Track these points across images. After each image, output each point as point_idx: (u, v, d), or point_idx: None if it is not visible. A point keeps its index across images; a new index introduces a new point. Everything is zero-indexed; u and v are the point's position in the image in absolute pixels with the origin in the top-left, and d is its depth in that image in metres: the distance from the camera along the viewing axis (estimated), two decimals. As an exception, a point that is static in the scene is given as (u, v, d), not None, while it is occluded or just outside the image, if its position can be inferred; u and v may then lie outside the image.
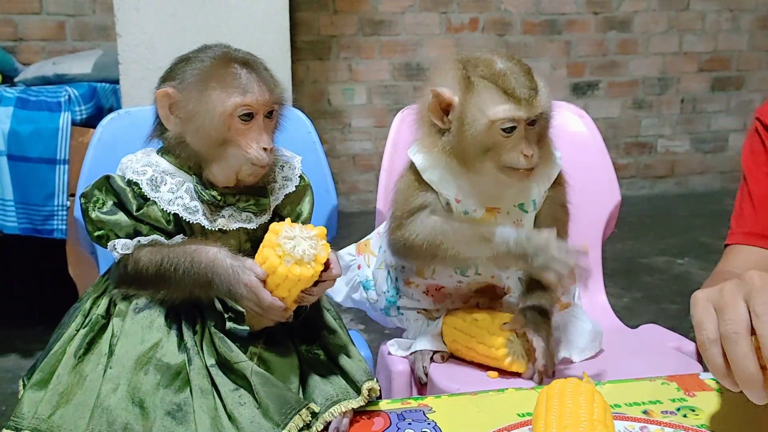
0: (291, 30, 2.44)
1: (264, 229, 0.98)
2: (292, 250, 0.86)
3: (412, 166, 1.21)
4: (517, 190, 1.18)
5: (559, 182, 1.25)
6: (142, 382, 0.87)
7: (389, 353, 1.31)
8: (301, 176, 1.08)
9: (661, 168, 4.58)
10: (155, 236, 0.98)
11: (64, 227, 2.27)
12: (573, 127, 1.56)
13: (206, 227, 0.99)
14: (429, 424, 0.88)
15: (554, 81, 4.32)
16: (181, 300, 0.94)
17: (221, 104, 0.96)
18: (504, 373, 1.20)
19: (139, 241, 0.97)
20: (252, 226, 1.01)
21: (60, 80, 2.64)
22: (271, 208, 1.04)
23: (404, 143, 1.52)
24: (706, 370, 1.02)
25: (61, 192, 2.26)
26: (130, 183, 0.99)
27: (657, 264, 3.19)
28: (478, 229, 1.15)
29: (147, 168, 1.00)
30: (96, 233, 0.98)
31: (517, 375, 1.19)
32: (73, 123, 2.34)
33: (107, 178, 1.01)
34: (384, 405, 0.93)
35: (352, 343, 1.00)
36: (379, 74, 4.16)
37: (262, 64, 1.02)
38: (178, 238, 0.99)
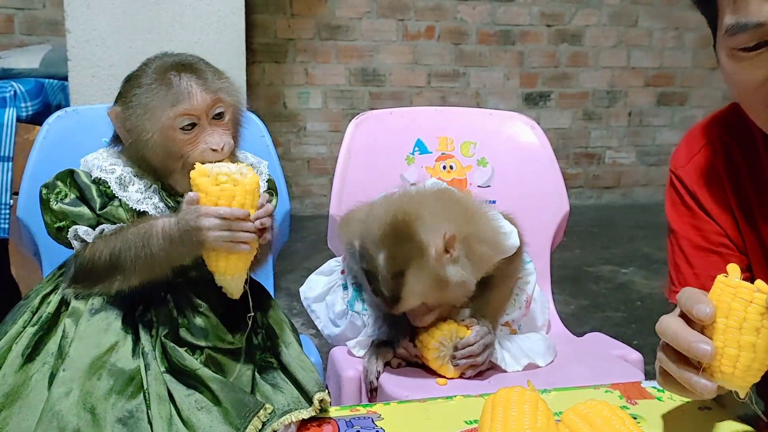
0: (247, 32, 2.42)
1: None
2: (218, 168, 0.91)
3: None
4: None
5: (510, 260, 1.27)
6: (94, 387, 0.86)
7: (349, 353, 1.32)
8: (267, 181, 1.08)
9: (608, 179, 4.70)
10: (120, 225, 0.96)
11: (6, 226, 2.20)
12: (524, 138, 1.59)
13: None
14: (377, 431, 0.88)
15: (507, 91, 4.39)
16: (138, 287, 0.92)
17: (159, 119, 0.95)
18: (433, 374, 1.22)
19: (103, 228, 0.95)
20: None
21: (6, 75, 2.55)
22: None
23: (359, 149, 1.53)
24: (648, 378, 1.06)
25: (4, 190, 2.18)
26: (96, 180, 0.98)
27: (602, 273, 3.27)
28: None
29: (115, 167, 0.99)
30: (56, 224, 0.96)
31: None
32: (19, 119, 2.27)
33: (71, 171, 0.99)
34: (333, 412, 0.93)
35: (305, 353, 1.00)
36: (335, 79, 4.16)
37: (202, 65, 1.00)
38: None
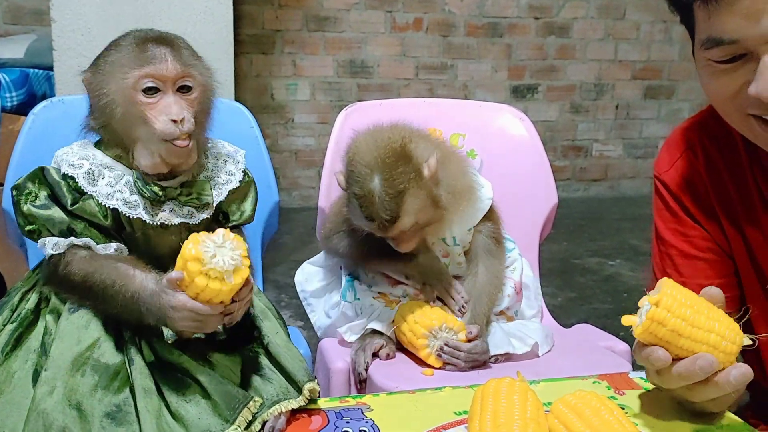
0: (234, 23, 2.40)
1: (206, 226, 0.97)
2: (212, 261, 0.82)
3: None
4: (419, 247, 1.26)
5: (489, 217, 1.33)
6: (79, 383, 0.85)
7: (340, 342, 1.32)
8: (245, 171, 1.06)
9: (595, 171, 4.72)
10: (88, 240, 0.94)
11: (-10, 218, 2.18)
12: (514, 130, 1.59)
13: (147, 221, 0.97)
14: (367, 422, 0.88)
15: (495, 83, 4.39)
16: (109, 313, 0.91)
17: (123, 78, 0.93)
18: (420, 363, 1.23)
19: (71, 242, 0.93)
20: (194, 221, 0.99)
21: (-10, 63, 2.53)
22: (214, 204, 1.01)
23: (347, 141, 1.53)
24: (635, 369, 1.06)
25: (-12, 181, 2.16)
26: (65, 176, 0.96)
27: (590, 265, 3.29)
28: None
29: (83, 161, 0.97)
30: (27, 227, 0.94)
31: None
32: (3, 110, 2.25)
33: (42, 170, 0.97)
34: (322, 403, 0.93)
35: (292, 342, 0.99)
36: (323, 70, 4.14)
37: (182, 41, 0.99)
38: (112, 247, 0.95)
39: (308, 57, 4.10)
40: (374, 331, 1.27)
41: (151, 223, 0.97)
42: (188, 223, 0.98)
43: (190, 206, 0.99)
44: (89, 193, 0.95)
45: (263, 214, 1.40)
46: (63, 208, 0.95)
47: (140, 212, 0.96)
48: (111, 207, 0.95)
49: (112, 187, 0.96)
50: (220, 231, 0.84)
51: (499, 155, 1.56)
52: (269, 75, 4.07)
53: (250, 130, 1.46)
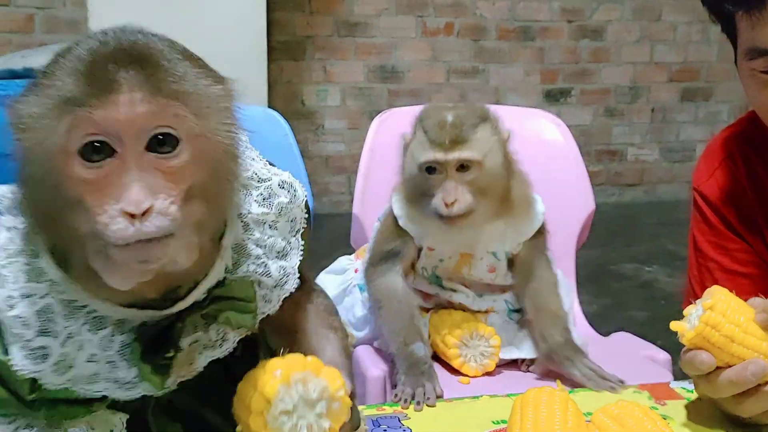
0: (266, 30, 2.43)
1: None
2: (283, 422, 0.59)
3: (392, 211, 1.27)
4: (470, 232, 1.22)
5: (540, 232, 1.29)
6: None
7: (376, 350, 1.31)
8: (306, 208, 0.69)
9: (630, 176, 4.65)
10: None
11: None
12: (549, 136, 1.58)
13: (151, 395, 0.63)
14: (404, 430, 0.87)
15: (527, 87, 4.36)
16: None
17: (51, 133, 0.53)
18: (455, 373, 1.22)
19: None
20: (222, 352, 0.65)
21: (27, 74, 2.58)
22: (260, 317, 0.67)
23: (382, 147, 1.53)
24: (676, 378, 1.04)
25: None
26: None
27: (625, 271, 3.24)
28: (406, 329, 1.20)
29: (19, 302, 0.57)
30: None
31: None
32: (42, 118, 2.29)
33: None
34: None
35: None
36: (353, 76, 4.15)
37: (168, 50, 0.58)
38: None
39: (339, 63, 4.12)
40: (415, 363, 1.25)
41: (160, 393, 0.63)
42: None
43: (221, 328, 0.65)
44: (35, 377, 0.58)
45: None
46: (14, 394, 0.60)
47: (140, 391, 0.62)
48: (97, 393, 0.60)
49: (78, 351, 0.59)
50: (318, 381, 0.58)
51: (533, 161, 1.53)
52: (300, 81, 4.10)
53: (284, 138, 1.47)
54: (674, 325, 0.83)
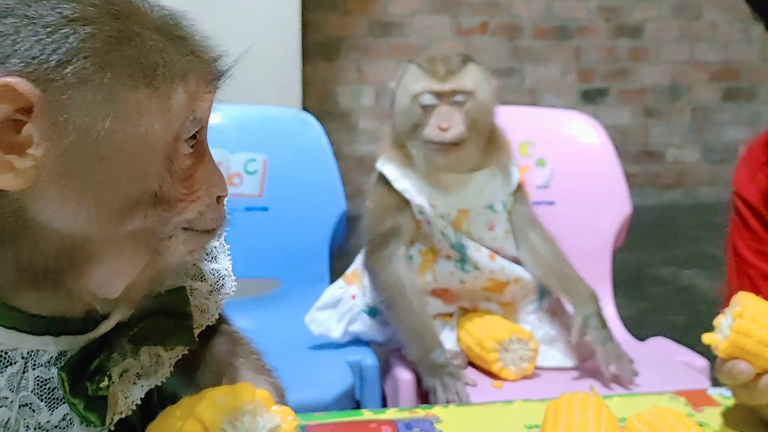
0: (301, 31, 2.44)
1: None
2: None
3: (380, 180, 1.27)
4: (460, 163, 1.23)
5: (520, 189, 1.33)
6: None
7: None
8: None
9: (669, 177, 4.57)
10: None
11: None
12: (585, 138, 1.56)
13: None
14: (436, 434, 0.87)
15: (563, 87, 4.31)
16: None
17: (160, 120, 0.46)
18: (493, 377, 1.22)
19: None
20: (158, 379, 0.56)
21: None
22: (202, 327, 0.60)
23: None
24: (714, 385, 1.02)
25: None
26: None
27: (663, 275, 3.18)
28: (423, 334, 1.20)
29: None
30: None
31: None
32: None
33: None
34: (392, 414, 0.93)
35: None
36: (387, 76, 4.13)
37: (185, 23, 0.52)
38: None
39: (373, 63, 4.13)
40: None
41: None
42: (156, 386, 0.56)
43: (152, 350, 0.55)
44: None
45: (331, 223, 1.41)
46: None
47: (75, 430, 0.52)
48: None
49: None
50: (270, 417, 0.51)
51: (569, 164, 1.53)
52: (334, 82, 4.12)
53: (317, 140, 1.48)
54: (706, 338, 0.82)
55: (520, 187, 1.32)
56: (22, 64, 0.41)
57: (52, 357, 0.50)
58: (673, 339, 1.42)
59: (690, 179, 4.59)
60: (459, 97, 1.20)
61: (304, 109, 1.60)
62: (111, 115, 0.43)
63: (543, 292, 1.33)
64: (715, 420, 0.90)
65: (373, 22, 4.09)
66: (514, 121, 1.59)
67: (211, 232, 0.50)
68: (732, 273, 1.08)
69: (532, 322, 1.30)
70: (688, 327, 2.57)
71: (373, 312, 1.33)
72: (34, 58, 0.41)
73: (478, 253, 1.26)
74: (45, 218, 0.43)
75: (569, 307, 1.31)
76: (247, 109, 1.54)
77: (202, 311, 0.58)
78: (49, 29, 0.41)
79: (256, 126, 1.45)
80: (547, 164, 1.52)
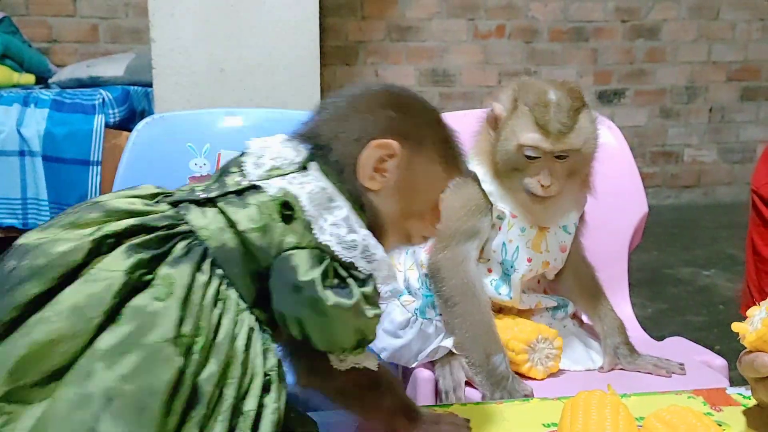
0: (319, 35, 2.46)
1: None
2: None
3: (473, 183, 1.25)
4: (554, 210, 1.24)
5: (582, 218, 1.33)
6: None
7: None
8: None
9: (687, 178, 4.54)
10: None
11: (95, 227, 2.32)
12: (602, 139, 1.56)
13: None
14: None
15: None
16: None
17: (442, 181, 0.85)
18: (522, 377, 1.21)
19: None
20: None
21: (94, 83, 2.70)
22: None
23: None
24: (733, 384, 1.02)
25: (93, 193, 2.31)
26: (344, 264, 0.74)
27: (682, 275, 3.16)
28: (485, 336, 1.18)
29: (354, 236, 0.76)
30: (356, 339, 0.75)
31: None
32: (107, 125, 2.39)
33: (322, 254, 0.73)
34: (411, 411, 0.94)
35: None
36: (405, 80, 4.17)
37: None
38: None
39: (391, 67, 4.14)
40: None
41: None
42: None
43: None
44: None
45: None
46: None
47: None
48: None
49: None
50: None
51: (586, 164, 1.53)
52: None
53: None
54: (736, 326, 0.81)
55: (582, 217, 1.33)
56: (396, 133, 0.80)
57: None
58: (692, 339, 1.42)
59: (708, 179, 4.56)
60: (565, 154, 1.18)
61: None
62: (423, 171, 0.82)
63: (558, 307, 1.34)
64: (733, 419, 0.90)
65: (390, 27, 4.11)
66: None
67: (426, 239, 0.90)
68: (751, 271, 1.07)
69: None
70: (707, 327, 2.55)
71: (407, 291, 1.30)
72: (401, 133, 0.80)
73: (517, 281, 1.25)
74: (378, 205, 0.80)
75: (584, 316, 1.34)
76: (267, 113, 1.57)
77: None
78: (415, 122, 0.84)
79: (276, 130, 1.46)
80: (564, 165, 1.52)
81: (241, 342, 0.70)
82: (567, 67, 4.26)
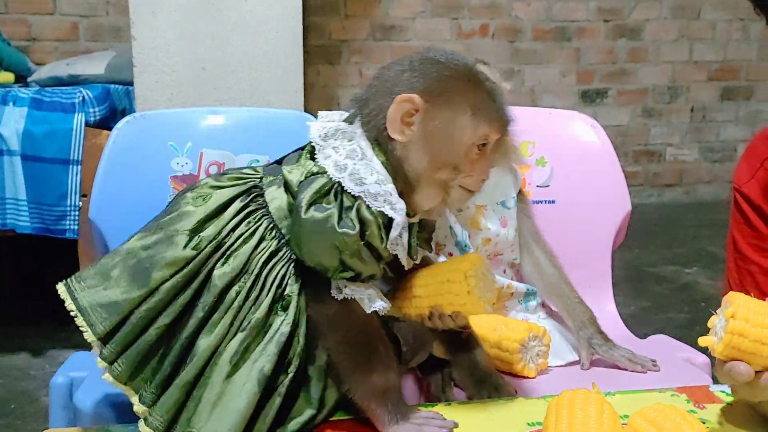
0: (302, 34, 2.45)
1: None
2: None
3: None
4: (492, 183, 1.22)
5: (522, 194, 1.36)
6: None
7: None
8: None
9: (669, 176, 4.58)
10: (377, 291, 0.88)
11: (76, 227, 2.29)
12: (585, 137, 1.57)
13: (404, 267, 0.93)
14: None
15: (563, 88, 4.32)
16: None
17: (469, 132, 0.86)
18: (513, 376, 1.21)
19: (380, 302, 0.87)
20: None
21: (74, 81, 2.66)
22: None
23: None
24: (716, 382, 1.03)
25: (73, 192, 2.27)
26: (375, 213, 0.83)
27: (664, 273, 3.19)
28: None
29: (389, 191, 0.85)
30: (343, 273, 0.85)
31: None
32: (87, 124, 2.35)
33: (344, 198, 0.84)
34: (395, 411, 0.93)
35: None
36: (388, 79, 4.17)
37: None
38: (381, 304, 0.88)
39: (375, 66, 4.13)
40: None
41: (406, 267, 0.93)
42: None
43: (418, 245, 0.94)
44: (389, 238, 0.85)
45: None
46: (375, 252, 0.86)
47: (405, 256, 0.90)
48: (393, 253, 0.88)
49: (397, 229, 0.86)
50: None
51: (569, 163, 1.54)
52: (336, 85, 4.13)
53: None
54: (702, 341, 0.82)
55: (521, 192, 1.34)
56: (421, 89, 0.86)
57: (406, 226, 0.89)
58: (675, 336, 1.43)
59: (689, 178, 4.60)
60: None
61: (307, 111, 1.61)
62: (450, 122, 0.86)
63: (528, 294, 1.35)
64: (717, 417, 0.91)
65: (374, 26, 4.10)
66: (516, 120, 1.60)
67: (471, 192, 0.90)
68: (732, 270, 1.08)
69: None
70: (690, 325, 2.58)
71: None
72: (425, 88, 0.86)
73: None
74: (405, 158, 0.86)
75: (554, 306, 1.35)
76: (250, 112, 1.55)
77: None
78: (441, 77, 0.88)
79: (259, 128, 1.46)
80: (547, 164, 1.53)
81: (260, 258, 0.85)
82: (550, 67, 4.28)
